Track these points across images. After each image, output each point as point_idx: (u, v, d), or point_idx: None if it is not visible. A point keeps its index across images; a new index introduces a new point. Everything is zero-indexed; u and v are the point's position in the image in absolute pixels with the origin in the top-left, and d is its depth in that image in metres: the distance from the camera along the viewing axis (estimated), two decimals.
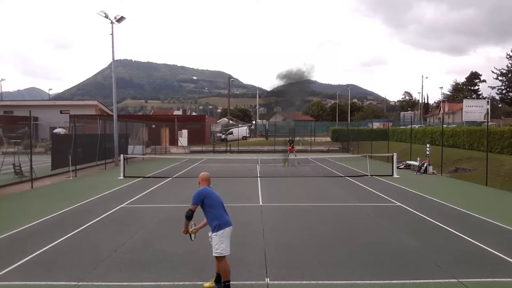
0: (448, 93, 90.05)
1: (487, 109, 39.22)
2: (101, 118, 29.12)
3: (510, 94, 67.16)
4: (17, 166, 17.56)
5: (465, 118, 43.68)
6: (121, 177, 18.40)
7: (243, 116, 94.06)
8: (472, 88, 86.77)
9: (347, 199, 12.96)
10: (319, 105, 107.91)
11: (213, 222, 5.57)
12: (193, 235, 5.79)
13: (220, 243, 5.48)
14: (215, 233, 5.54)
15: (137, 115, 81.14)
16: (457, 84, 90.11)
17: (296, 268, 6.46)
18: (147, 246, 7.68)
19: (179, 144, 42.35)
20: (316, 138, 48.74)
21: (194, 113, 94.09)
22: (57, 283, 5.87)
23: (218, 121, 67.19)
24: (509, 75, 65.54)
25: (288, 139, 32.69)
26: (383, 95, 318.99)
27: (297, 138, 50.92)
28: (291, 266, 6.55)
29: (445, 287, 5.74)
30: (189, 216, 5.59)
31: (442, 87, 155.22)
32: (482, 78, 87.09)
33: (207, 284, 5.72)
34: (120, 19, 25.28)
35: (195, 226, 5.83)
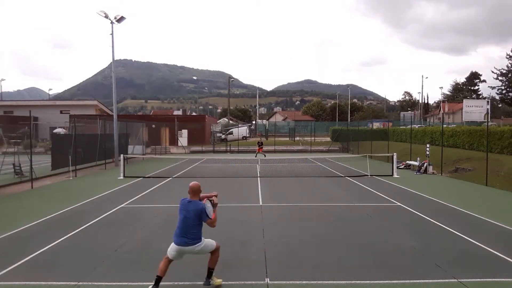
0: (448, 93, 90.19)
1: (487, 109, 39.15)
2: (101, 118, 29.12)
3: (510, 94, 67.14)
4: (17, 166, 17.56)
5: (465, 118, 43.61)
6: (121, 177, 18.40)
7: (243, 116, 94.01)
8: (472, 88, 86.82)
9: (347, 199, 12.95)
10: (319, 105, 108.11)
11: None
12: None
13: None
14: None
15: (137, 115, 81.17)
16: (457, 84, 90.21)
17: (296, 268, 6.45)
18: (147, 246, 7.68)
19: (179, 144, 42.35)
20: (316, 138, 48.75)
21: (194, 113, 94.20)
22: (57, 283, 5.87)
23: (218, 121, 67.16)
24: (509, 75, 65.52)
25: (258, 140, 34.83)
26: (383, 95, 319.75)
27: (297, 138, 51.10)
28: (291, 266, 6.55)
29: (445, 287, 5.74)
30: None
31: (442, 87, 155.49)
32: (482, 78, 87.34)
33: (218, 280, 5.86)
34: (120, 19, 25.27)
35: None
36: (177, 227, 5.69)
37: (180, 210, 5.70)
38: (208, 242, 5.78)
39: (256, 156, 30.05)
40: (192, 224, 5.57)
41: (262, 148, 31.62)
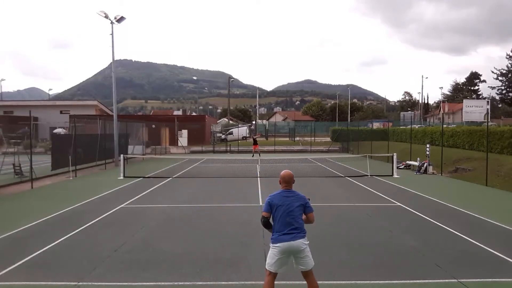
0: (448, 93, 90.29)
1: (487, 109, 39.09)
2: (101, 118, 29.10)
3: (510, 94, 67.17)
4: (17, 166, 17.55)
5: (465, 118, 43.59)
6: (121, 177, 18.40)
7: (243, 116, 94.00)
8: (472, 88, 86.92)
9: (347, 199, 12.95)
10: (319, 105, 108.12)
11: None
12: None
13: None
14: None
15: (137, 115, 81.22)
16: (457, 84, 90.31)
17: (296, 268, 6.43)
18: (147, 246, 7.68)
19: (179, 144, 42.36)
20: (316, 138, 48.76)
21: (194, 113, 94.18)
22: (57, 283, 5.86)
23: (218, 121, 67.19)
24: (509, 75, 65.55)
25: (253, 137, 35.39)
26: (383, 95, 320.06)
27: (297, 138, 51.11)
28: (291, 266, 6.53)
29: (445, 287, 5.74)
30: (264, 224, 5.21)
31: (442, 87, 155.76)
32: (482, 78, 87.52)
33: None
34: (120, 19, 25.28)
35: None
36: (279, 224, 4.99)
37: (275, 205, 5.05)
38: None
39: (253, 156, 30.11)
40: (296, 216, 4.95)
41: (257, 145, 32.10)
